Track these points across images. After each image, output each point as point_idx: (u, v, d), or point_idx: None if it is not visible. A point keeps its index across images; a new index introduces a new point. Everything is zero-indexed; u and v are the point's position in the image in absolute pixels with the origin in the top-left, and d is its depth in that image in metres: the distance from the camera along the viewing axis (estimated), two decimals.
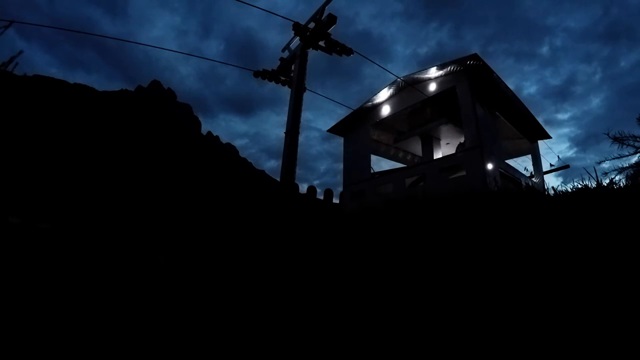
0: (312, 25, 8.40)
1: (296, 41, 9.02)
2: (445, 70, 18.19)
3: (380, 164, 29.68)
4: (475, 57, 16.08)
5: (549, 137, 22.77)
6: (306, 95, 8.48)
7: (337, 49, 8.56)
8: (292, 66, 9.13)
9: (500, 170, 16.71)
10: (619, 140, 4.64)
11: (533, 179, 21.66)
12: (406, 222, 3.91)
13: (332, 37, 8.36)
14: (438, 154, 21.64)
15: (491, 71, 16.40)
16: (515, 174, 18.62)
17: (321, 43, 8.51)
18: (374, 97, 21.50)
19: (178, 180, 35.74)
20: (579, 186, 3.64)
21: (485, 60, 15.94)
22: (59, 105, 35.42)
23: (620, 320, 1.64)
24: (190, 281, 4.01)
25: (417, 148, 24.20)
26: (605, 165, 4.67)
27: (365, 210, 6.69)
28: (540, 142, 23.44)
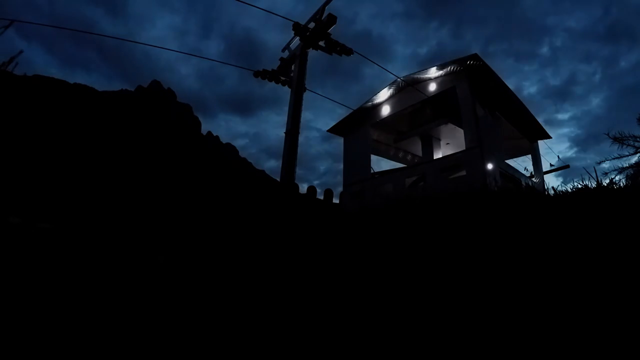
0: (312, 25, 8.41)
1: (296, 41, 9.02)
2: (445, 70, 18.19)
3: (380, 164, 29.65)
4: (475, 57, 16.09)
5: (549, 137, 22.78)
6: (306, 95, 8.48)
7: (337, 49, 8.56)
8: (292, 66, 9.13)
9: (500, 170, 16.71)
10: (619, 140, 4.64)
11: (533, 179, 21.67)
12: (406, 222, 3.91)
13: (332, 37, 8.36)
14: (438, 154, 21.62)
15: (491, 71, 16.42)
16: (515, 174, 18.63)
17: (321, 43, 8.52)
18: (374, 97, 21.49)
19: (178, 180, 35.73)
20: (579, 186, 3.64)
21: (485, 60, 15.95)
22: (59, 105, 35.41)
23: (620, 320, 1.64)
24: (190, 281, 4.01)
25: (417, 148, 24.19)
26: (605, 165, 4.66)
27: (365, 210, 6.69)
28: (540, 142, 23.45)
